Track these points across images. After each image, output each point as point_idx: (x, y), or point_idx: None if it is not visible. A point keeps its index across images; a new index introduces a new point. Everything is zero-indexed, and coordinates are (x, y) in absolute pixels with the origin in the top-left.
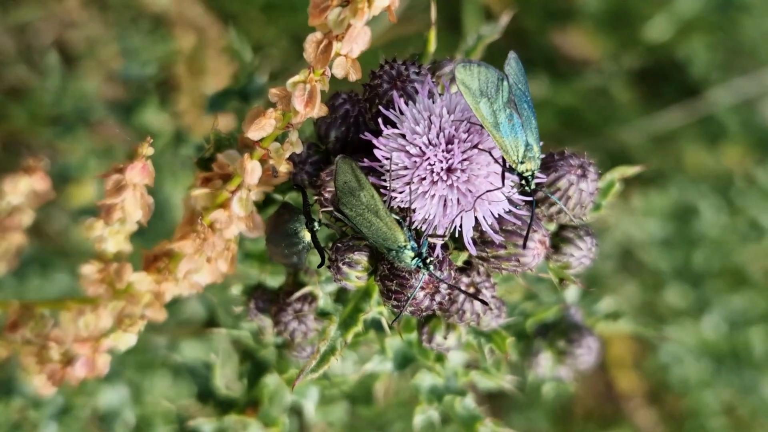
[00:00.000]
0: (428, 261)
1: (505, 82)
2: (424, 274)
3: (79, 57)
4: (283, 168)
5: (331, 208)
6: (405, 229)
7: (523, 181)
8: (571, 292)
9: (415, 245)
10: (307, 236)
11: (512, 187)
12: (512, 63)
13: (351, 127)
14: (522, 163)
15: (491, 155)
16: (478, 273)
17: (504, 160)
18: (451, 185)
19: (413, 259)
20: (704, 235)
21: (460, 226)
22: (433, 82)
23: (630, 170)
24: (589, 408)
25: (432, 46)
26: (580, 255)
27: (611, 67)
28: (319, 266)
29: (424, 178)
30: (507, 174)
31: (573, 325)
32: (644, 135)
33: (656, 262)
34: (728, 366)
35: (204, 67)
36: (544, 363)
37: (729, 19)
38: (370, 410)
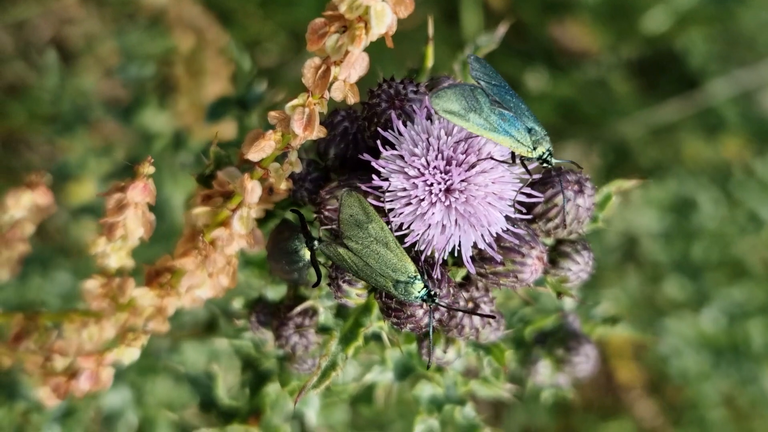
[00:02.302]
0: (433, 294)
1: (479, 89)
2: (431, 307)
3: (78, 54)
4: (284, 186)
5: (330, 226)
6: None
7: (544, 164)
8: (570, 300)
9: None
10: (307, 254)
11: (511, 206)
12: (474, 64)
13: (350, 144)
14: (535, 149)
15: (494, 159)
16: (477, 288)
17: (512, 157)
18: (450, 206)
19: (421, 290)
20: (703, 227)
21: (459, 245)
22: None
23: (627, 183)
24: (589, 399)
25: (429, 61)
26: (578, 269)
27: (609, 59)
28: (314, 286)
29: (423, 200)
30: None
31: (571, 333)
32: (643, 127)
33: (655, 254)
34: (727, 358)
35: (203, 68)
36: (543, 371)
37: (727, 10)
38: (371, 409)
